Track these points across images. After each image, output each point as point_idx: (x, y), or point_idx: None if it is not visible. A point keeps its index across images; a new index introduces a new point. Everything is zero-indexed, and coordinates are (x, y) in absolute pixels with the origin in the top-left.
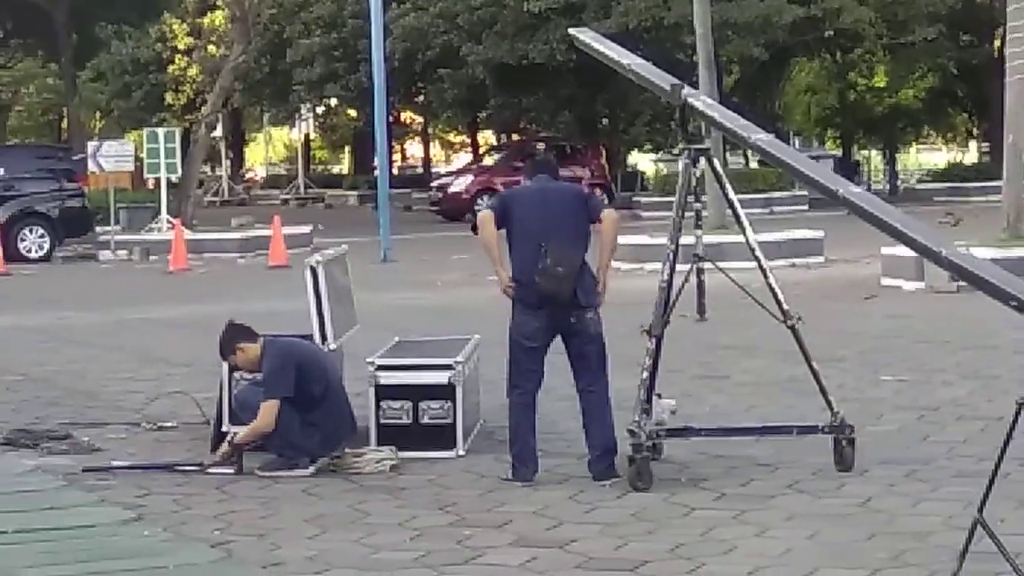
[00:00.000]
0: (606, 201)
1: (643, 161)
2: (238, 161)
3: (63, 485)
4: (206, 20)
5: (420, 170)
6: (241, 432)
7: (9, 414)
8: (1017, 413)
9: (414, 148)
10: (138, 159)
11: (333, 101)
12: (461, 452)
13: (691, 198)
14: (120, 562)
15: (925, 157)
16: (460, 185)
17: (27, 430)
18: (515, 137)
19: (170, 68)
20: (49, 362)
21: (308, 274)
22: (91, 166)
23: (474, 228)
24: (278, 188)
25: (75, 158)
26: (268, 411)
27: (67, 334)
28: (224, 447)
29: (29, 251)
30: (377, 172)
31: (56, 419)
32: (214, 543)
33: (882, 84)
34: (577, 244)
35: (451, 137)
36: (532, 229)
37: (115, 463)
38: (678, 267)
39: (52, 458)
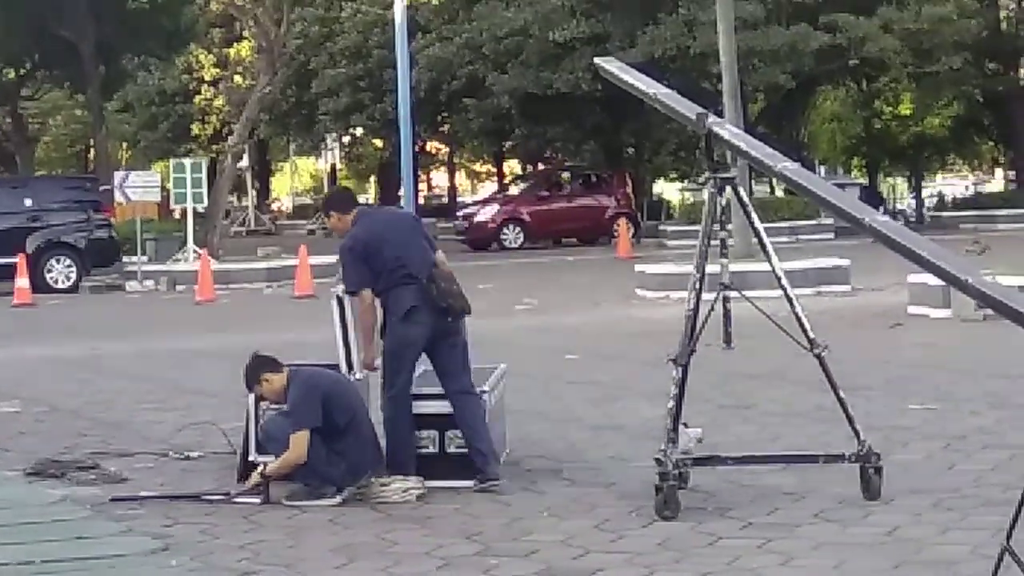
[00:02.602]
0: (632, 230)
1: (669, 190)
2: (264, 191)
3: (91, 515)
4: (232, 51)
5: (446, 199)
6: (272, 464)
7: (37, 444)
8: None
9: (440, 178)
10: (165, 189)
11: (359, 131)
12: None
13: (717, 227)
14: None
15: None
16: (486, 214)
17: (55, 460)
18: (541, 166)
19: (196, 99)
20: (77, 392)
21: (334, 303)
22: (118, 197)
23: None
24: (304, 218)
25: (102, 189)
26: (299, 442)
27: (94, 364)
28: (255, 477)
29: (56, 281)
30: (403, 201)
31: (84, 449)
32: (241, 573)
33: (908, 112)
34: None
35: (477, 166)
36: (391, 257)
37: (143, 493)
38: (704, 296)
39: (80, 488)
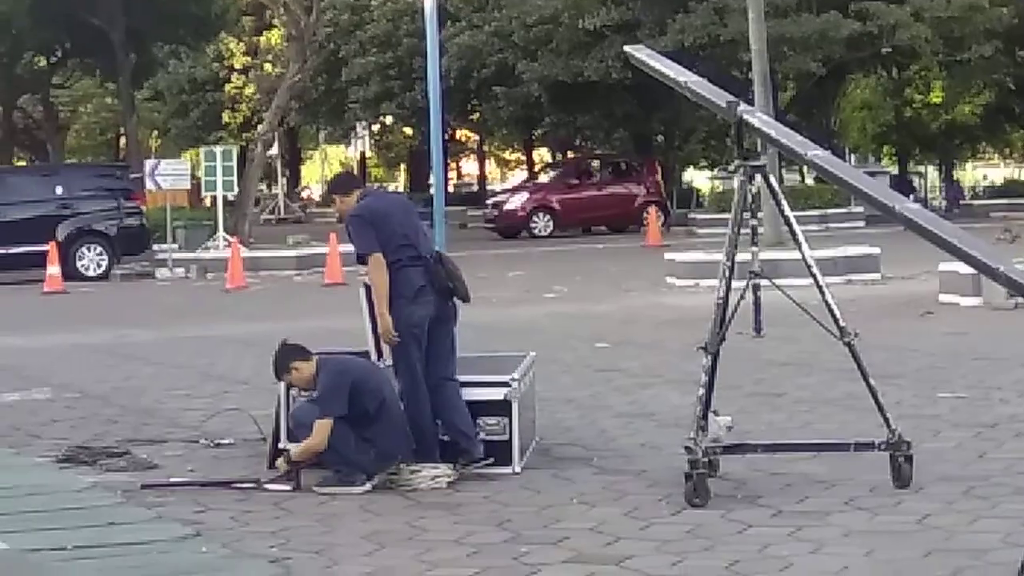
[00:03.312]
0: (662, 218)
1: (698, 178)
2: (294, 179)
3: (121, 502)
4: (262, 39)
5: (475, 188)
6: (295, 449)
7: (68, 431)
8: None
9: (469, 166)
10: (195, 177)
11: (388, 119)
12: (517, 469)
13: (747, 215)
14: None
15: (981, 172)
16: (515, 202)
17: (86, 447)
18: (570, 154)
19: (227, 87)
20: (107, 379)
21: (363, 291)
22: (148, 185)
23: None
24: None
25: (133, 177)
26: (321, 430)
27: (125, 351)
28: (281, 464)
29: (87, 269)
30: (432, 190)
31: (115, 436)
32: (272, 559)
33: (938, 100)
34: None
35: (506, 155)
36: (398, 234)
37: (173, 480)
38: (734, 284)
39: (111, 475)
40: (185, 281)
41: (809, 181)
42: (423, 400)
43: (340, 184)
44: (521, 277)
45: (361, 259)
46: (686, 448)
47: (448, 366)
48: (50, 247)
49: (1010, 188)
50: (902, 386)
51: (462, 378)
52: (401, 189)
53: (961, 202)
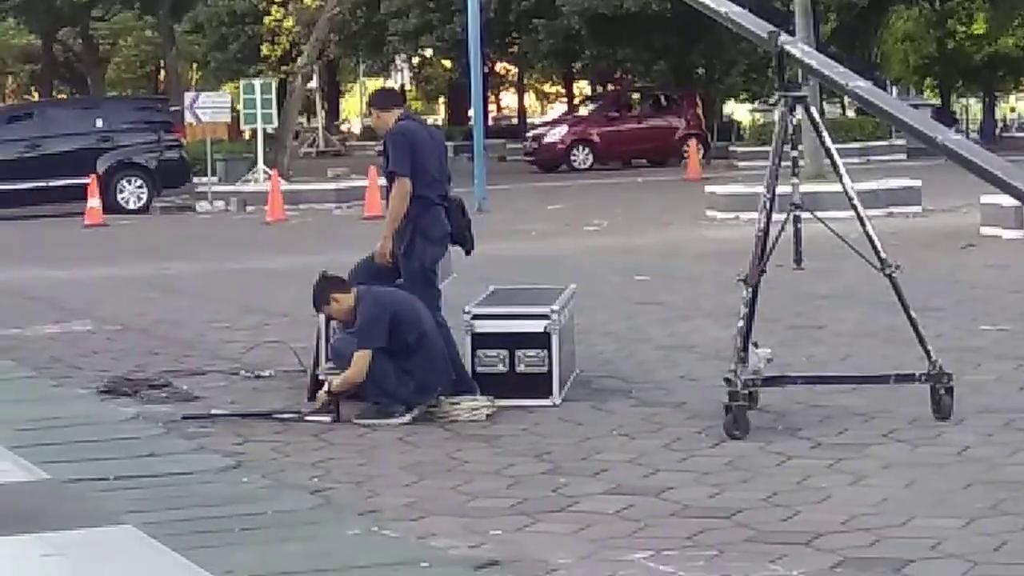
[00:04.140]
0: (702, 151)
1: (739, 111)
2: (333, 112)
3: (163, 433)
4: None
5: (515, 121)
6: (335, 381)
7: (109, 363)
8: None
9: (509, 99)
10: (234, 110)
11: (428, 52)
12: (557, 401)
13: (787, 147)
14: (219, 508)
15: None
16: (555, 135)
17: (127, 379)
18: (610, 87)
19: (266, 19)
20: (148, 312)
21: None
22: (188, 118)
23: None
24: (374, 140)
25: (172, 110)
26: (360, 361)
27: (165, 284)
28: (321, 395)
29: (127, 202)
30: (472, 123)
31: (155, 368)
32: (312, 490)
33: (981, 32)
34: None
35: (546, 87)
36: (433, 169)
37: (214, 411)
38: (774, 216)
39: (152, 406)
40: (225, 214)
41: (850, 113)
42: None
43: (380, 99)
44: (561, 210)
45: (390, 177)
46: (726, 380)
47: (437, 312)
48: (91, 180)
49: None
50: (943, 318)
51: (502, 310)
52: (441, 123)
53: (997, 133)
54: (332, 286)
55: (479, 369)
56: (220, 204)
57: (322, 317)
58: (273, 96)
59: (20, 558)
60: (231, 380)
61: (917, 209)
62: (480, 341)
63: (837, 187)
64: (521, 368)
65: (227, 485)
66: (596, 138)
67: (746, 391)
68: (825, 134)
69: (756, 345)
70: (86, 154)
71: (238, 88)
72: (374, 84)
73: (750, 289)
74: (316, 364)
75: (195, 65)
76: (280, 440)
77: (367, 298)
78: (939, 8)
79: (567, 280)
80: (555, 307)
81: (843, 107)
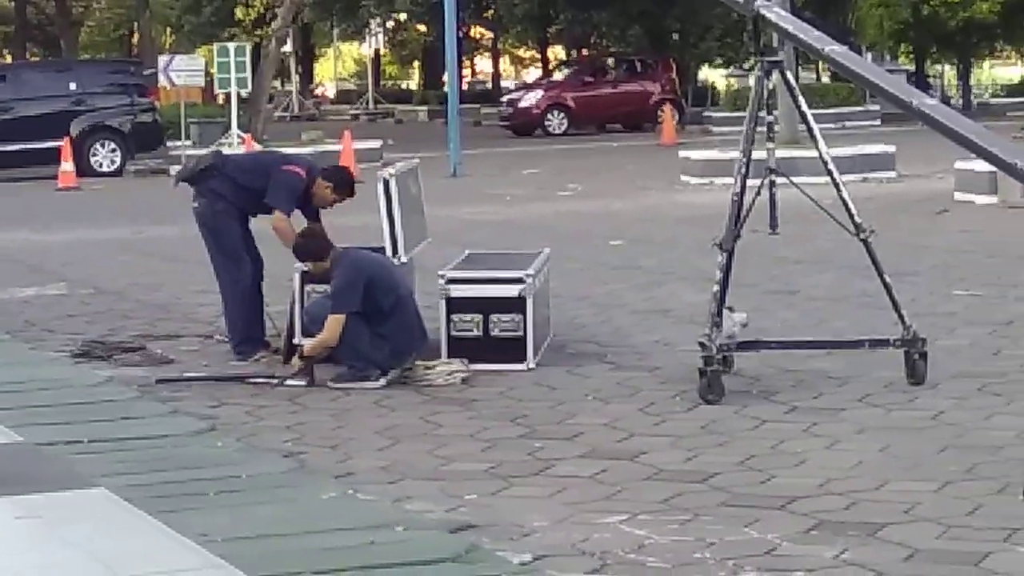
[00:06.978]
0: (677, 116)
1: (714, 76)
2: (308, 77)
3: (137, 396)
4: None
5: (490, 85)
6: (308, 344)
7: (83, 326)
8: None
9: (484, 63)
10: (209, 74)
11: (403, 16)
12: (531, 365)
13: (763, 111)
14: (193, 471)
15: (1000, 72)
16: (530, 100)
17: (101, 342)
18: (585, 52)
19: None
20: (122, 275)
21: (381, 186)
22: (162, 81)
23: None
24: (348, 103)
25: (146, 73)
26: (334, 325)
27: (139, 247)
28: (296, 360)
29: (101, 165)
30: (447, 87)
31: (129, 331)
32: (286, 454)
33: None
34: None
35: (521, 52)
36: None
37: (188, 374)
38: (749, 182)
39: (126, 369)
40: None
41: (825, 79)
42: None
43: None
44: (536, 175)
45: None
46: (700, 344)
47: None
48: (64, 143)
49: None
50: (917, 283)
51: (477, 274)
52: (415, 87)
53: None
54: (316, 243)
55: (454, 333)
56: None
57: (296, 280)
58: (247, 60)
59: None
60: (205, 344)
61: (892, 174)
62: (455, 305)
63: (812, 152)
64: (496, 332)
65: (201, 448)
66: (571, 103)
67: (721, 355)
68: (801, 98)
69: (731, 310)
70: (59, 117)
71: (212, 52)
72: (349, 48)
73: (725, 254)
74: (291, 328)
75: (169, 28)
76: (254, 404)
77: (344, 260)
78: None
79: (542, 245)
80: (530, 271)
81: (818, 73)
